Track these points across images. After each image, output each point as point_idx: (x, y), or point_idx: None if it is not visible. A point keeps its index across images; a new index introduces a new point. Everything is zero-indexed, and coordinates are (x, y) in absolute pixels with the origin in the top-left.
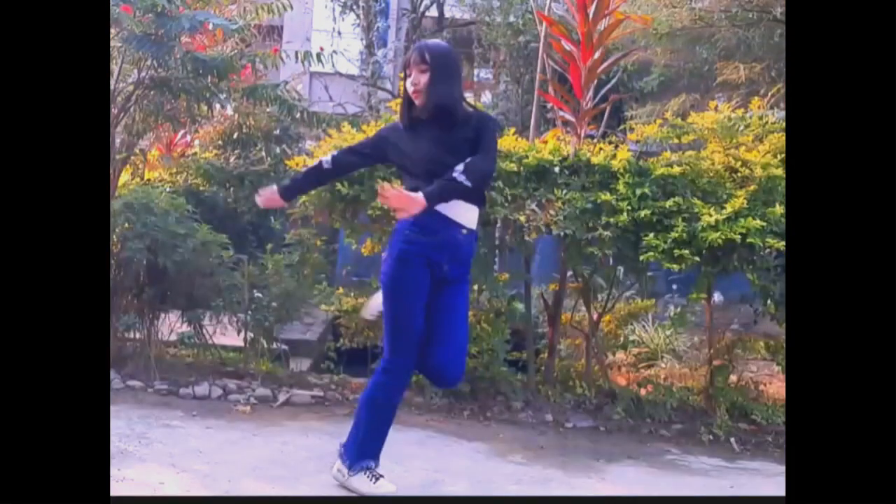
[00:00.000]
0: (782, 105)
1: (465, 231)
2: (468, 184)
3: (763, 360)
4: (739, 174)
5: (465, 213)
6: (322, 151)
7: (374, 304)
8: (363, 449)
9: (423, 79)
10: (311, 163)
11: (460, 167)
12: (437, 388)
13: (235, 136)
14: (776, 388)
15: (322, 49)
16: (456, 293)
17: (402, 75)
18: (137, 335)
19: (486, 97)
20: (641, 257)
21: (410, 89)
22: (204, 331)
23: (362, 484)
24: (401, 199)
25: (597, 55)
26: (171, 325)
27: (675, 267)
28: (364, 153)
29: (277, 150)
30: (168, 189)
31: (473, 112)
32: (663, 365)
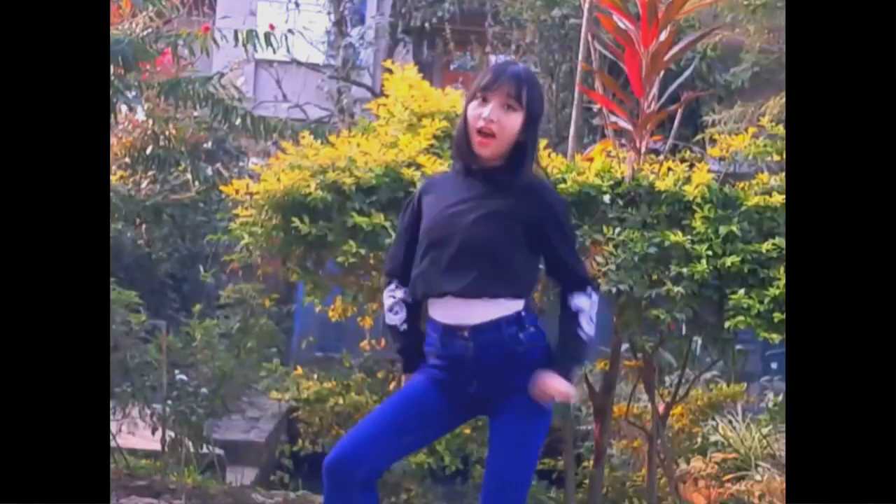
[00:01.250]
0: None
1: (465, 334)
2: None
3: None
4: None
5: (456, 310)
6: (273, 173)
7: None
8: None
9: (510, 122)
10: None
11: (583, 303)
12: None
13: (149, 151)
14: None
15: (272, 27)
16: (502, 419)
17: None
18: None
19: None
20: (727, 324)
21: (479, 123)
22: None
23: None
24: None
25: (664, 36)
26: None
27: (776, 337)
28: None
29: (209, 170)
30: None
31: (536, 181)
32: (758, 477)
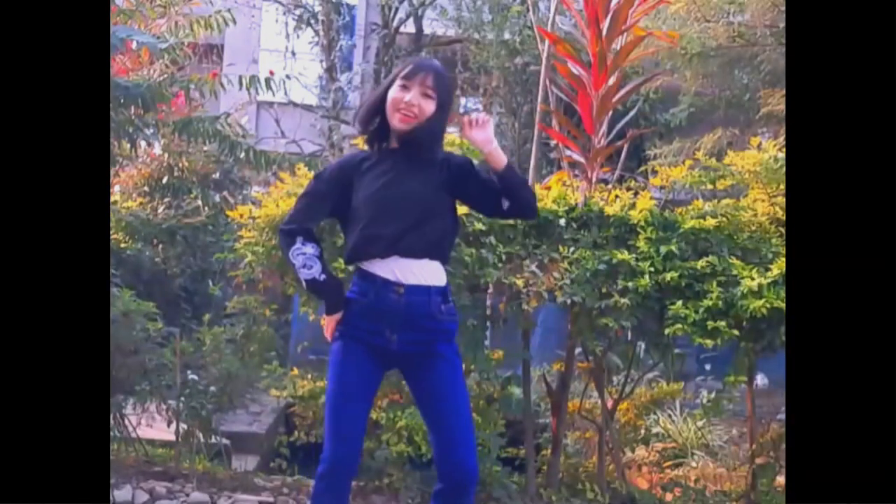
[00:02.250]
0: None
1: (399, 290)
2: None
3: None
4: None
5: (400, 269)
6: (272, 200)
7: None
8: None
9: (427, 106)
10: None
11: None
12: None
13: (165, 180)
14: None
15: (272, 73)
16: (437, 373)
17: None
18: None
19: None
20: (667, 331)
21: (400, 106)
22: (126, 421)
23: None
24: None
25: (612, 81)
26: None
27: (709, 343)
28: (322, 204)
29: (217, 197)
30: None
31: (443, 153)
32: (694, 464)
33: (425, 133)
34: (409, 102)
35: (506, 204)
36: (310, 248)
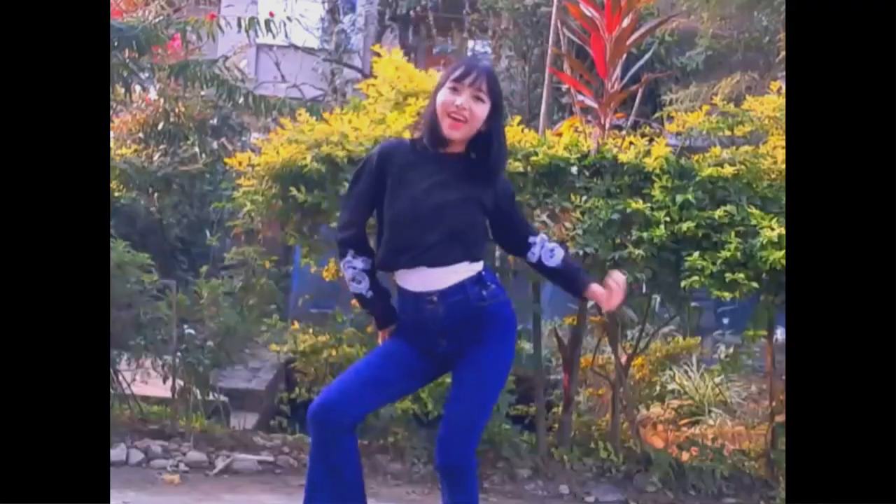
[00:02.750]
0: None
1: (433, 299)
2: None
3: None
4: None
5: (429, 278)
6: (272, 147)
7: None
8: None
9: (479, 110)
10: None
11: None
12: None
13: (160, 126)
14: None
15: (272, 15)
16: (464, 364)
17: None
18: None
19: None
20: (683, 283)
21: (451, 110)
22: (120, 377)
23: None
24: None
25: (626, 22)
26: None
27: (727, 295)
28: (368, 200)
29: (214, 144)
30: None
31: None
32: (711, 422)
33: (481, 145)
34: (459, 106)
35: (534, 258)
36: (359, 263)
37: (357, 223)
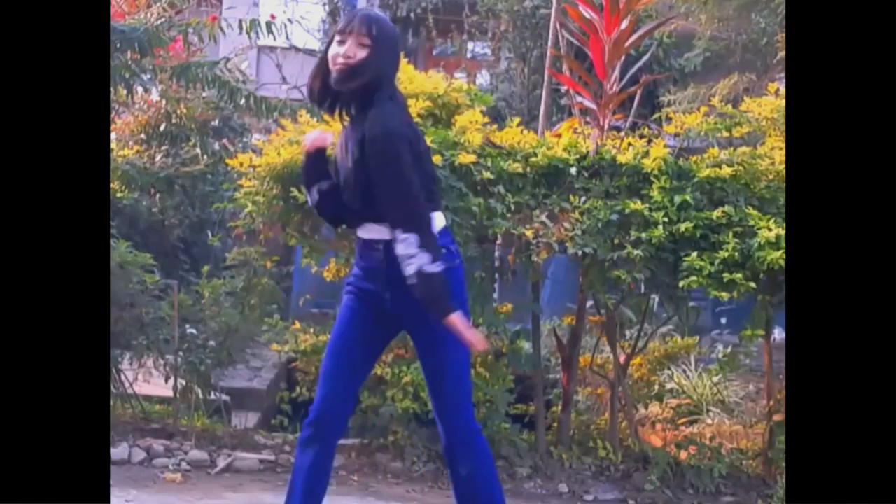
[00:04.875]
0: None
1: (380, 247)
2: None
3: None
4: None
5: (377, 230)
6: (274, 148)
7: None
8: None
9: (361, 53)
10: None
11: (399, 248)
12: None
13: (162, 127)
14: None
15: (273, 17)
16: (425, 339)
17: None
18: None
19: (483, 78)
20: (681, 283)
21: (337, 61)
22: (122, 377)
23: None
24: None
25: (624, 24)
26: None
27: (725, 295)
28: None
29: (216, 145)
30: None
31: (378, 112)
32: (709, 421)
33: (359, 79)
34: (345, 54)
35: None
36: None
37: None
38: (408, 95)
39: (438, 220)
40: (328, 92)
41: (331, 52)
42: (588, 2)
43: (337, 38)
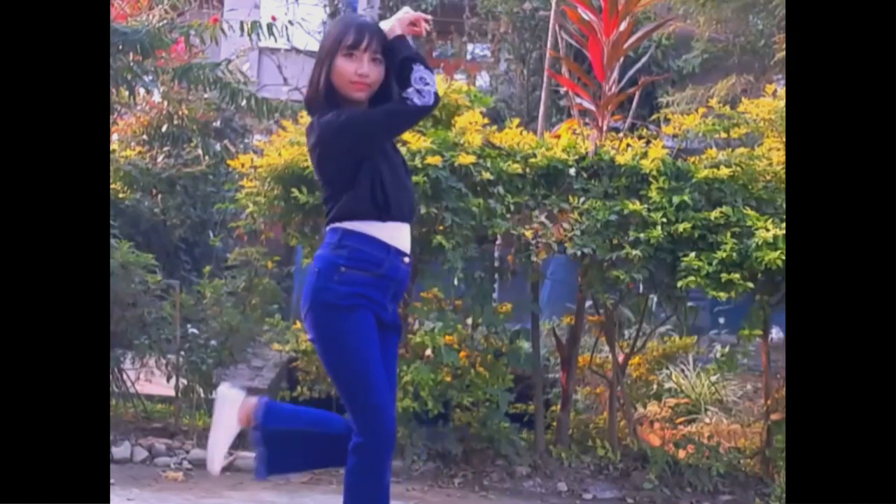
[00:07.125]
0: None
1: (407, 260)
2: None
3: None
4: None
5: (404, 236)
6: (274, 148)
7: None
8: None
9: (378, 72)
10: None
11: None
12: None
13: (164, 128)
14: None
15: (274, 19)
16: (392, 344)
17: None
18: None
19: (483, 80)
20: (679, 283)
21: (353, 79)
22: (125, 376)
23: None
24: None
25: (623, 26)
26: None
27: (723, 295)
28: None
29: (217, 146)
30: None
31: None
32: (707, 420)
33: (371, 93)
34: (362, 74)
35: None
36: None
37: None
38: None
39: None
40: (330, 107)
41: (341, 68)
42: (587, 4)
43: (343, 51)
